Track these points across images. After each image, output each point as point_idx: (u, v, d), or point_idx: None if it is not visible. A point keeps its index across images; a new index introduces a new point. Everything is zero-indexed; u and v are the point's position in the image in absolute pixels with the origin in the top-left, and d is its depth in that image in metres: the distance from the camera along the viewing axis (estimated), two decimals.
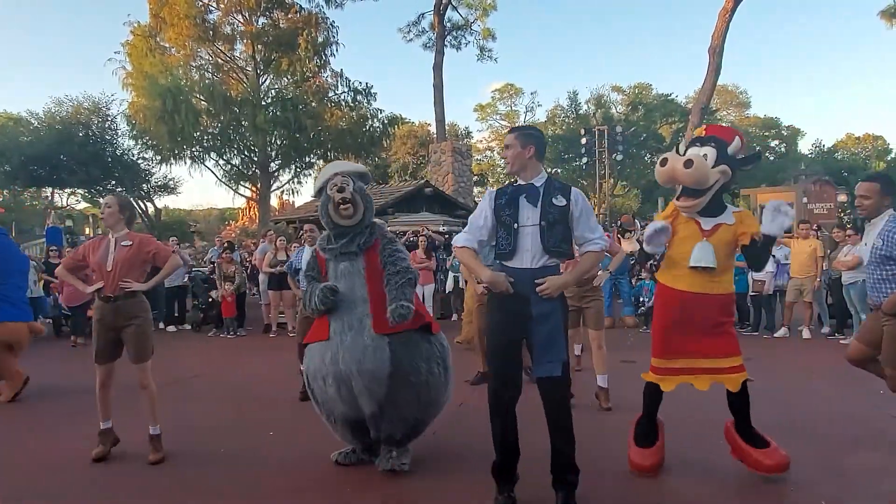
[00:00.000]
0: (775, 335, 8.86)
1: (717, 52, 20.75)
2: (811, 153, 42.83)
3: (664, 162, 3.39)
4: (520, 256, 3.08)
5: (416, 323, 3.59)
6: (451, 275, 11.10)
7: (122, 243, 4.10)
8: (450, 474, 3.65)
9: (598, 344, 5.22)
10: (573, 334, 5.41)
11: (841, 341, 8.29)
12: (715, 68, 20.93)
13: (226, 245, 11.33)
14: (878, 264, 3.82)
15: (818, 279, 8.75)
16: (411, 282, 3.61)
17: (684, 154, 3.44)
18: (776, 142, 45.37)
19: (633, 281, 10.91)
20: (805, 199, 19.63)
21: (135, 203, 28.07)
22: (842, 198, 21.10)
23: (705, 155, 3.37)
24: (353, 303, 3.59)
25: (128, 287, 4.02)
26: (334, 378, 3.53)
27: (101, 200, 29.32)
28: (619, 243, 6.43)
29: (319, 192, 3.79)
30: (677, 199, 3.48)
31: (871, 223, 3.94)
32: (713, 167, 3.33)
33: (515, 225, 3.07)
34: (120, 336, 4.07)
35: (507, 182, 3.63)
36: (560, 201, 3.07)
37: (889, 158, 42.45)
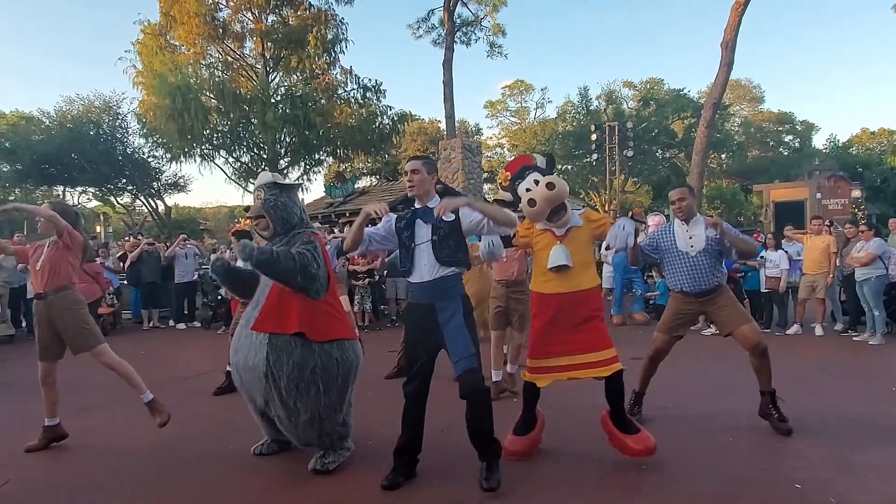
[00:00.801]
0: (788, 332, 8.77)
1: (729, 47, 20.54)
2: (825, 148, 42.35)
3: (533, 202, 3.67)
4: (419, 271, 3.44)
5: (289, 328, 3.61)
6: None
7: (47, 247, 4.31)
8: (447, 484, 3.62)
9: (519, 343, 5.52)
10: (500, 336, 5.62)
11: (854, 338, 8.19)
12: (727, 63, 20.71)
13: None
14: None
15: (831, 275, 8.65)
16: (287, 253, 3.59)
17: (516, 195, 3.86)
18: (790, 137, 44.94)
19: (646, 279, 10.85)
20: (819, 195, 19.44)
21: (145, 201, 28.41)
22: (856, 193, 20.89)
23: (536, 181, 3.74)
24: (258, 303, 3.80)
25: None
26: (235, 368, 3.83)
27: (111, 200, 29.75)
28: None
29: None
30: (550, 221, 3.76)
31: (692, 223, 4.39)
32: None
33: (412, 244, 3.46)
34: (57, 332, 4.23)
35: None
36: (449, 216, 3.38)
37: None
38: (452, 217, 3.40)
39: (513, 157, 4.12)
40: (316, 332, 3.64)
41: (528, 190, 3.76)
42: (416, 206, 3.59)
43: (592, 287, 3.79)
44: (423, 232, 3.45)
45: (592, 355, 3.69)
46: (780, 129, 44.55)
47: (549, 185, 3.60)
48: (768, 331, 8.98)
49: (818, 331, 8.65)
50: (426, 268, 3.41)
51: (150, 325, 11.14)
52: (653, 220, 11.26)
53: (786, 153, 42.99)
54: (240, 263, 4.27)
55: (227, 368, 5.69)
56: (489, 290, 5.78)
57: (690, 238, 4.37)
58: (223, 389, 5.83)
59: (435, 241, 3.39)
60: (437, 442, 4.06)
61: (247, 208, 4.15)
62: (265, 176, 4.04)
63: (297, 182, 4.31)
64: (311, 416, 3.67)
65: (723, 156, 40.95)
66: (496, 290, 5.58)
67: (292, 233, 3.86)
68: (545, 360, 3.78)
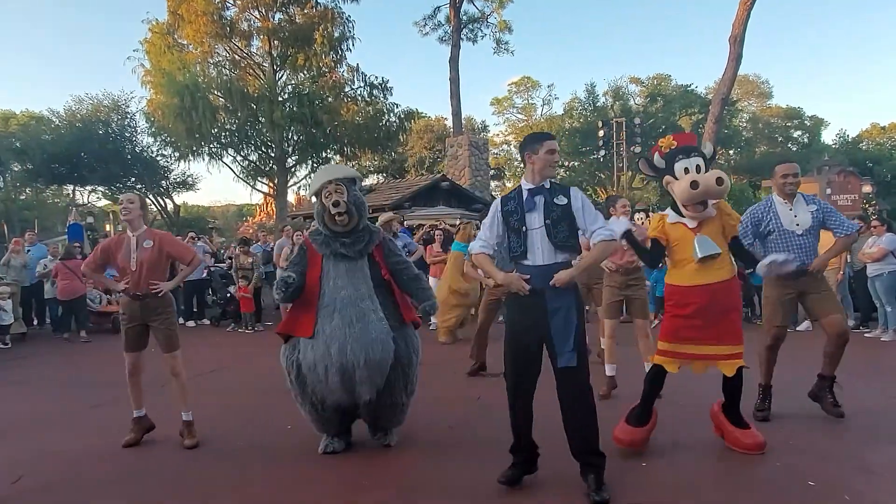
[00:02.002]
0: (798, 329, 8.71)
1: (737, 42, 20.43)
2: (835, 144, 42.01)
3: (695, 185, 3.54)
4: (532, 255, 3.29)
5: (410, 317, 4.02)
6: None
7: (144, 244, 4.24)
8: (465, 467, 3.62)
9: (644, 332, 5.33)
10: (615, 326, 5.46)
11: (865, 334, 8.13)
12: (735, 58, 20.60)
13: (244, 239, 11.38)
14: None
15: (841, 272, 8.59)
16: (424, 280, 4.15)
17: (670, 168, 3.72)
18: (799, 132, 44.62)
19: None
20: (829, 191, 19.28)
21: (153, 200, 28.53)
22: (866, 189, 20.70)
23: (698, 166, 3.63)
24: (359, 298, 3.78)
25: (155, 289, 4.20)
26: (339, 368, 3.67)
27: (120, 197, 29.53)
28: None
29: (315, 195, 3.99)
30: (686, 208, 3.69)
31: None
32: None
33: (524, 228, 3.30)
34: (147, 327, 4.28)
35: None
36: (561, 200, 3.30)
37: None
38: (565, 201, 3.30)
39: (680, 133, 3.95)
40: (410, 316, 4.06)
41: (686, 171, 3.64)
42: (529, 186, 3.37)
43: (733, 277, 3.75)
44: (535, 215, 3.29)
45: (723, 348, 3.68)
46: (789, 124, 44.24)
47: (719, 181, 3.50)
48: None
49: None
50: (539, 252, 3.26)
51: None
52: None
53: (794, 149, 42.66)
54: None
55: None
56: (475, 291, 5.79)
57: (795, 216, 4.38)
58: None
59: (549, 226, 3.26)
60: (447, 438, 4.07)
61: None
62: (343, 168, 4.19)
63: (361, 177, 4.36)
64: (412, 396, 4.02)
65: (731, 152, 40.71)
66: (613, 279, 5.43)
67: (368, 228, 4.00)
68: (678, 346, 3.74)
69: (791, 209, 4.41)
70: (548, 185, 3.36)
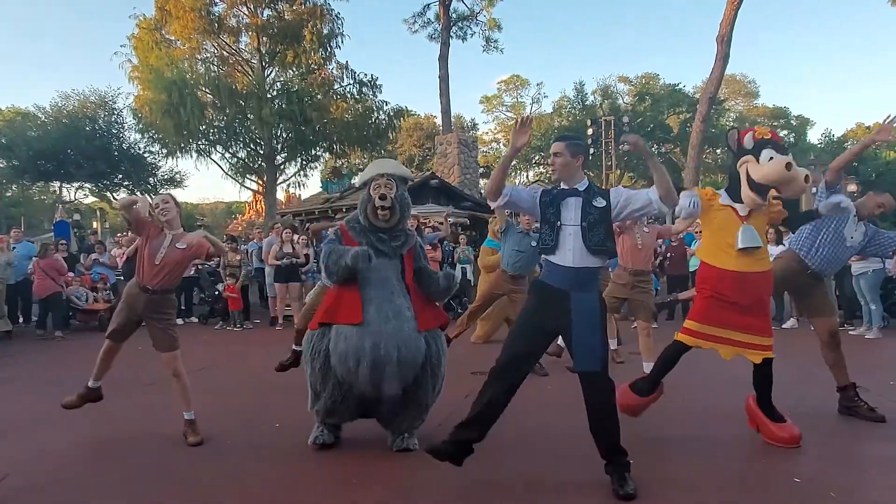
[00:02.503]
0: (784, 326, 8.80)
1: (725, 41, 20.56)
2: (820, 143, 42.46)
3: (790, 166, 3.55)
4: (562, 253, 3.23)
5: (441, 320, 4.07)
6: (458, 266, 11.06)
7: (177, 245, 4.26)
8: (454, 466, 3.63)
9: (646, 332, 5.47)
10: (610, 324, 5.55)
11: (850, 332, 8.23)
12: (723, 57, 20.73)
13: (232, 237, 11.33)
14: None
15: None
16: (441, 275, 4.15)
17: (758, 151, 3.70)
18: (785, 132, 44.95)
19: None
20: (814, 189, 19.49)
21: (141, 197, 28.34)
22: (851, 188, 20.92)
23: (789, 164, 3.57)
24: (392, 294, 3.79)
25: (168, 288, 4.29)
26: (371, 361, 3.63)
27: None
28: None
29: (362, 185, 4.03)
30: (752, 192, 3.68)
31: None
32: None
33: (558, 223, 3.24)
34: (139, 323, 4.30)
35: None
36: (600, 203, 3.25)
37: None
38: (604, 203, 3.26)
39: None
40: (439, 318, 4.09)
41: (771, 159, 3.64)
42: (564, 186, 3.36)
43: (768, 270, 3.82)
44: (571, 214, 3.25)
45: (753, 338, 3.75)
46: (775, 123, 44.50)
47: (807, 178, 3.56)
48: None
49: None
50: (571, 253, 3.21)
51: None
52: None
53: None
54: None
55: (295, 348, 5.49)
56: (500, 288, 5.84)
57: (855, 231, 4.59)
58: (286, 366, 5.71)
59: (584, 228, 3.20)
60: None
61: (383, 196, 3.90)
62: (394, 165, 4.18)
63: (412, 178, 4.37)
64: (436, 392, 4.00)
65: (718, 151, 40.96)
66: (621, 276, 5.54)
67: (403, 228, 4.05)
68: (707, 327, 3.79)
69: (856, 227, 4.64)
70: (583, 187, 3.32)
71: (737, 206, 3.78)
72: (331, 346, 3.76)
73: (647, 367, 5.30)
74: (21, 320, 10.70)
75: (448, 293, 4.12)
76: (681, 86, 37.82)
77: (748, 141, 3.79)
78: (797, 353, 7.02)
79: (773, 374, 3.83)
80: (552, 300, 3.23)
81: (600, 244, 3.20)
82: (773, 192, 3.80)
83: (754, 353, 3.75)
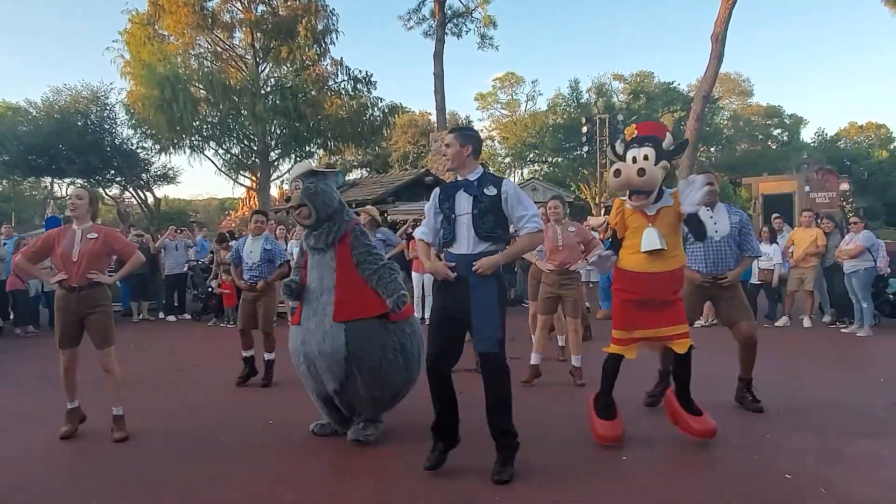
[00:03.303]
0: (776, 324, 8.84)
1: (719, 40, 20.59)
2: (814, 142, 42.67)
3: (618, 173, 3.70)
4: (458, 244, 3.39)
5: (371, 312, 3.89)
6: None
7: (88, 235, 4.27)
8: (453, 456, 3.63)
9: (574, 328, 5.62)
10: (547, 320, 5.77)
11: (842, 330, 8.28)
12: (717, 56, 20.77)
13: (225, 234, 11.28)
14: None
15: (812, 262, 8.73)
16: (395, 271, 3.99)
17: (624, 154, 3.78)
18: (778, 130, 45.17)
19: None
20: (807, 188, 19.55)
21: (133, 193, 28.15)
22: (844, 186, 21.04)
23: (646, 156, 3.66)
24: (321, 292, 3.97)
25: (94, 278, 4.22)
26: (304, 358, 3.97)
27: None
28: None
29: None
30: (629, 198, 3.80)
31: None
32: (655, 165, 3.65)
33: (453, 215, 3.40)
34: (82, 322, 4.26)
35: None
36: (491, 191, 3.37)
37: (892, 147, 42.27)
38: (494, 192, 3.36)
39: (639, 124, 4.05)
40: (396, 313, 3.92)
41: (634, 159, 3.69)
42: (458, 178, 3.52)
43: (678, 268, 3.87)
44: (464, 205, 3.39)
45: (672, 329, 3.80)
46: (769, 122, 44.76)
47: (640, 172, 3.60)
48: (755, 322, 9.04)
49: (806, 323, 8.73)
50: (466, 241, 3.36)
51: (140, 317, 11.06)
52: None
53: (774, 147, 43.20)
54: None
55: (245, 354, 5.81)
56: None
57: (715, 224, 4.59)
58: (244, 378, 5.84)
59: (475, 216, 3.34)
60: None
61: (287, 198, 4.18)
62: (303, 165, 4.22)
63: (333, 169, 4.37)
64: (394, 392, 4.02)
65: (712, 149, 41.11)
66: (548, 277, 5.66)
67: (336, 218, 4.02)
68: (630, 332, 3.85)
69: (712, 216, 4.62)
70: (475, 177, 3.45)
71: (644, 208, 3.81)
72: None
73: (576, 361, 5.56)
74: (12, 317, 10.63)
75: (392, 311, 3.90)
76: (675, 84, 37.94)
77: (619, 147, 3.92)
78: (789, 351, 7.07)
79: (691, 366, 3.90)
80: (454, 290, 3.36)
81: (491, 231, 3.34)
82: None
83: (679, 342, 3.79)
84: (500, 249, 3.41)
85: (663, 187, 3.81)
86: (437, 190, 3.60)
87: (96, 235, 4.29)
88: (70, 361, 4.30)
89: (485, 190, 3.36)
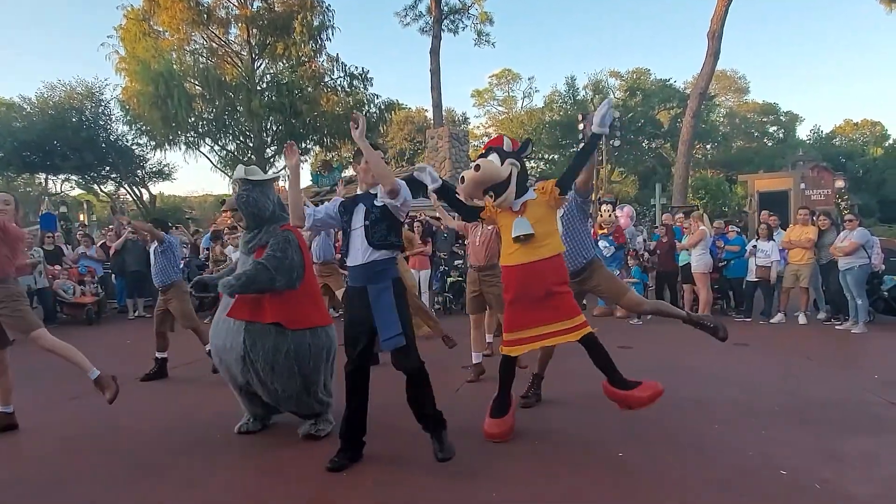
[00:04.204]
0: (771, 321, 8.87)
1: (716, 37, 20.64)
2: (809, 139, 42.74)
3: (462, 179, 3.88)
4: (353, 255, 3.53)
5: (265, 318, 3.91)
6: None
7: None
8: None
9: (492, 324, 5.80)
10: (477, 319, 5.82)
11: (837, 327, 8.30)
12: (714, 53, 20.81)
13: (218, 231, 11.26)
14: None
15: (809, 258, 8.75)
16: (258, 266, 3.88)
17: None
18: (774, 128, 45.26)
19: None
20: (803, 185, 19.60)
21: (129, 189, 28.02)
22: (839, 184, 21.09)
23: (490, 160, 3.86)
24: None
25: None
26: (216, 352, 4.13)
27: (94, 188, 29.29)
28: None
29: None
30: (494, 201, 3.92)
31: None
32: (502, 164, 3.83)
33: (349, 229, 3.56)
34: None
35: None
36: (380, 202, 3.48)
37: (887, 144, 42.38)
38: (381, 203, 3.48)
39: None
40: (291, 321, 3.91)
41: (460, 178, 3.93)
42: (359, 192, 3.68)
43: (553, 255, 3.87)
44: (358, 218, 3.54)
45: (562, 324, 3.82)
46: (765, 119, 44.85)
47: (476, 167, 3.79)
48: (749, 319, 9.08)
49: (801, 319, 8.76)
50: (359, 251, 3.49)
51: (136, 314, 11.04)
52: (621, 213, 11.26)
53: (770, 144, 43.28)
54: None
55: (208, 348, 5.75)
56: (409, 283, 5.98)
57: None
58: (151, 376, 5.99)
59: (367, 226, 3.47)
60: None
61: (222, 202, 4.27)
62: (238, 171, 4.17)
63: (270, 177, 4.39)
64: (289, 393, 3.99)
65: (708, 146, 41.18)
66: (470, 275, 5.82)
67: (265, 227, 4.10)
68: (518, 332, 3.91)
69: None
70: (375, 190, 3.54)
71: (509, 204, 3.93)
72: None
73: (476, 358, 5.70)
74: None
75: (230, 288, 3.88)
76: (671, 81, 37.96)
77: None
78: (784, 348, 7.09)
79: (603, 348, 3.87)
80: (355, 298, 3.52)
81: (383, 239, 3.48)
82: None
83: (570, 336, 3.79)
84: (393, 257, 3.57)
85: (527, 185, 3.99)
86: (338, 200, 3.75)
87: None
88: (2, 362, 4.43)
89: (375, 202, 3.48)
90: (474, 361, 5.74)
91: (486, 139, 43.63)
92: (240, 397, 4.26)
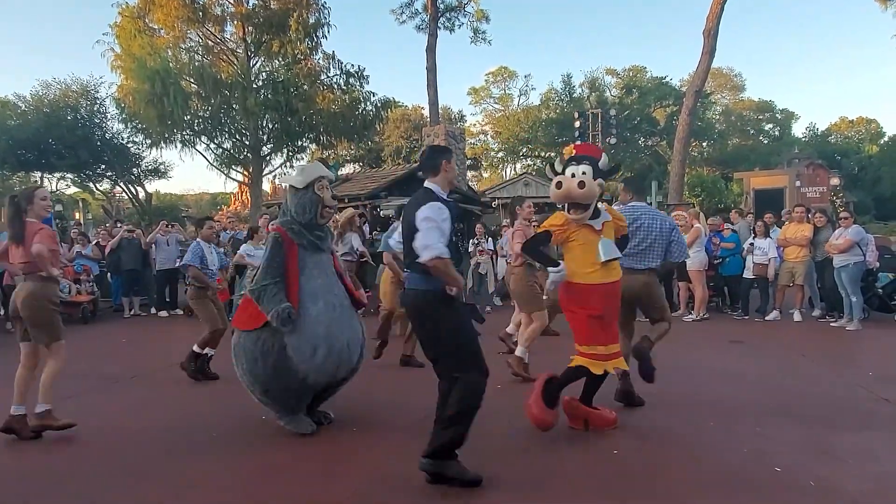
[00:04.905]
0: (767, 318, 8.89)
1: (711, 35, 20.66)
2: (805, 136, 42.89)
3: (560, 185, 3.85)
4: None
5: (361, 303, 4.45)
6: (498, 259, 10.62)
7: None
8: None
9: (527, 321, 5.77)
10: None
11: (832, 324, 8.33)
12: (709, 51, 20.85)
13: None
14: None
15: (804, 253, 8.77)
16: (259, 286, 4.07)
17: (563, 172, 3.98)
18: (770, 125, 45.37)
19: None
20: (798, 183, 19.68)
21: (124, 188, 27.95)
22: (834, 181, 21.18)
23: (584, 172, 3.87)
24: (332, 286, 4.19)
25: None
26: (329, 348, 3.99)
27: (89, 186, 29.22)
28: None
29: (306, 187, 4.13)
30: (568, 211, 3.94)
31: None
32: (594, 181, 3.85)
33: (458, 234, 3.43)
34: None
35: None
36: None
37: (882, 142, 42.51)
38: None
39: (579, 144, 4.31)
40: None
41: (573, 175, 3.89)
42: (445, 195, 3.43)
43: (619, 279, 4.03)
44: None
45: (615, 346, 4.02)
46: (761, 117, 44.95)
47: (581, 184, 3.78)
48: (747, 317, 9.10)
49: (797, 317, 8.79)
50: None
51: (132, 312, 11.01)
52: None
53: (766, 141, 43.41)
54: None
55: (196, 349, 5.84)
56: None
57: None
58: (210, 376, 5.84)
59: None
60: (424, 423, 4.08)
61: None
62: (328, 170, 4.36)
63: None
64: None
65: (704, 144, 41.25)
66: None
67: (327, 225, 4.44)
68: (596, 347, 3.94)
69: None
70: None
71: (592, 222, 3.94)
72: (285, 339, 3.93)
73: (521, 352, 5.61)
74: (2, 312, 10.56)
75: None
76: (668, 79, 38.04)
77: (558, 165, 4.11)
78: (779, 345, 7.12)
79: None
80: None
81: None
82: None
83: (620, 360, 4.03)
84: None
85: (598, 205, 3.98)
86: (445, 207, 3.27)
87: None
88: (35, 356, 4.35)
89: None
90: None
91: (482, 137, 43.77)
92: (306, 396, 4.15)
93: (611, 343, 3.97)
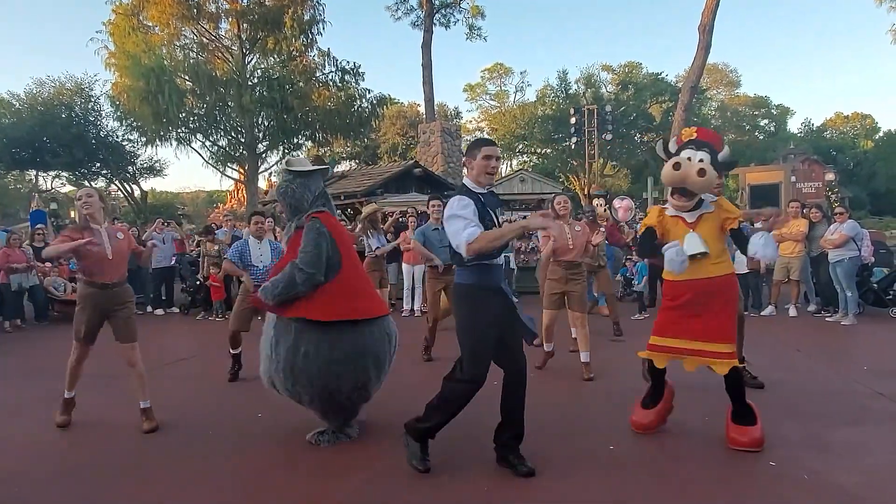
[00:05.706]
0: (762, 313, 8.92)
1: (707, 30, 20.67)
2: (800, 132, 43.02)
3: (678, 166, 3.59)
4: (499, 256, 3.38)
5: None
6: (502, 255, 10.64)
7: (117, 235, 4.50)
8: (443, 453, 3.65)
9: (581, 324, 5.48)
10: (556, 316, 5.65)
11: (827, 319, 8.36)
12: (705, 46, 20.85)
13: (210, 227, 11.21)
14: None
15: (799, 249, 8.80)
16: (286, 275, 3.87)
17: (677, 153, 3.69)
18: (766, 121, 45.43)
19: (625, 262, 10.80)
20: (793, 178, 19.70)
21: (119, 186, 27.88)
22: (830, 177, 21.22)
23: (701, 160, 3.59)
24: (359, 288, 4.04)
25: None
26: (374, 358, 3.89)
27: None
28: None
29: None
30: (671, 196, 3.75)
31: None
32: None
33: (494, 228, 3.26)
34: (106, 319, 4.37)
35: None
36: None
37: (877, 137, 42.64)
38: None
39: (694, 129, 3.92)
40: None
41: (689, 159, 3.61)
42: (482, 190, 3.36)
43: (725, 275, 3.72)
44: (495, 218, 3.34)
45: (712, 346, 3.65)
46: (756, 113, 45.00)
47: (701, 172, 3.52)
48: (746, 312, 9.10)
49: (792, 312, 8.81)
50: (502, 253, 3.46)
51: None
52: (621, 204, 11.25)
53: (761, 137, 43.47)
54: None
55: (234, 352, 5.70)
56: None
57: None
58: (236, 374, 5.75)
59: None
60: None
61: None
62: (287, 161, 4.20)
63: (311, 168, 4.10)
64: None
65: None
66: (555, 272, 5.57)
67: (300, 217, 3.99)
68: (666, 340, 3.80)
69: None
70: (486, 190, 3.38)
71: (684, 214, 3.74)
72: (335, 342, 3.73)
73: (584, 357, 5.43)
74: None
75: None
76: (663, 75, 38.01)
77: (672, 146, 3.82)
78: (774, 340, 7.14)
79: (742, 381, 3.74)
80: (496, 299, 3.34)
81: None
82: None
83: (719, 363, 3.63)
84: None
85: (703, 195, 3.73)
86: (470, 199, 3.25)
87: (123, 236, 4.55)
88: (85, 354, 4.42)
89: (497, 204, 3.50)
90: (546, 350, 5.74)
91: (478, 134, 43.68)
92: (345, 405, 3.94)
93: (682, 337, 3.72)
